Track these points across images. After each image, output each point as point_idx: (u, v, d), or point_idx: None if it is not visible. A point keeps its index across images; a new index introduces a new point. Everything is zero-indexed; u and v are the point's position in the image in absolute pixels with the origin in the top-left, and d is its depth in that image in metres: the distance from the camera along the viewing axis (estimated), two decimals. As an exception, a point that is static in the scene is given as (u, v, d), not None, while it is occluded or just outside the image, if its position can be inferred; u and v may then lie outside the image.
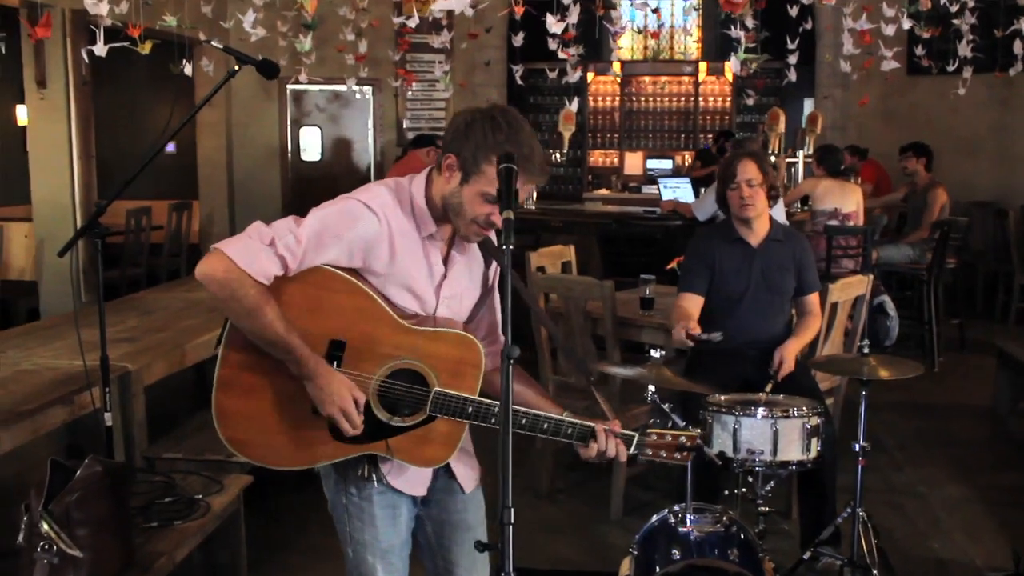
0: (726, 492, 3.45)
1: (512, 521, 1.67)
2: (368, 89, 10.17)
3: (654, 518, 3.08)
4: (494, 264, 2.30)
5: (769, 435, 3.10)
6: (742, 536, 2.98)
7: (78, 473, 2.45)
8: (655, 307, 4.46)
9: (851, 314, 4.28)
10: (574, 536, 4.06)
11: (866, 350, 3.23)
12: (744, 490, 3.31)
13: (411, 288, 2.13)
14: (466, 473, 2.31)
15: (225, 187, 10.08)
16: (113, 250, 7.72)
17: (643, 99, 11.44)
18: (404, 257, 2.11)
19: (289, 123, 10.31)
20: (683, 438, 2.19)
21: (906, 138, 8.72)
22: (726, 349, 3.66)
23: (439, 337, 2.11)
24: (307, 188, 10.21)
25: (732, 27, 5.58)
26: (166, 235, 8.71)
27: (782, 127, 6.54)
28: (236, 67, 2.73)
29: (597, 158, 11.49)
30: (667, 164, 10.92)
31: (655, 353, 3.03)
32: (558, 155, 8.61)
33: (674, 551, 2.85)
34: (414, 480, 2.24)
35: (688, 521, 2.96)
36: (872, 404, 3.27)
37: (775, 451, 3.10)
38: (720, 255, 3.79)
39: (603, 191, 10.06)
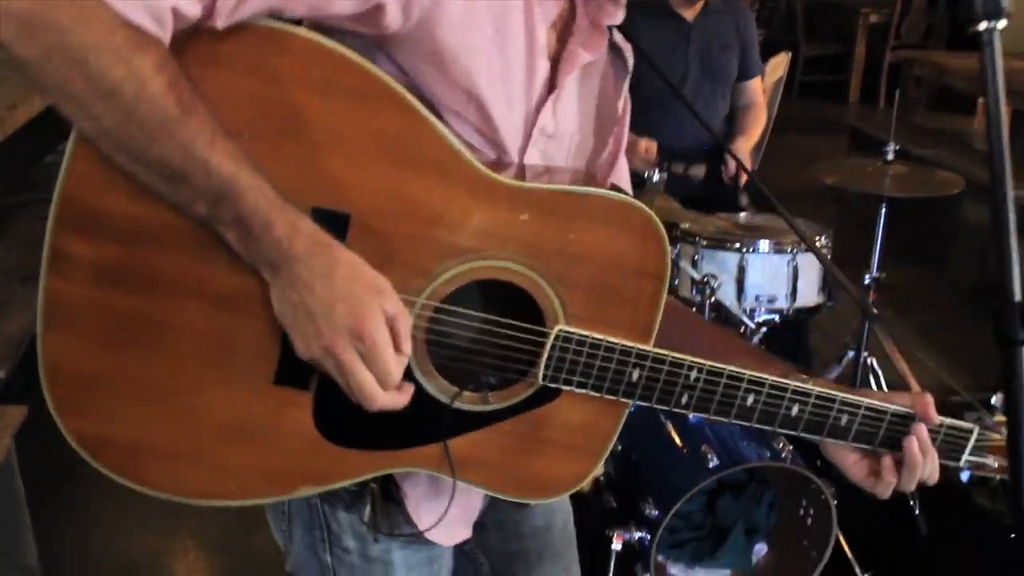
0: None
1: None
2: None
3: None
4: (626, 83, 1.15)
5: (785, 275, 2.33)
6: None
7: None
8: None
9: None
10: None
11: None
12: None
13: (481, 97, 0.94)
14: None
15: None
16: None
17: None
18: (482, 15, 0.92)
19: None
20: None
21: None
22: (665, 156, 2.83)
23: (570, 204, 0.94)
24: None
25: None
26: None
27: None
28: None
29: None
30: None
31: (654, 176, 2.10)
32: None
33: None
34: (461, 518, 1.15)
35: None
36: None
37: (793, 295, 2.33)
38: (646, 36, 2.83)
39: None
